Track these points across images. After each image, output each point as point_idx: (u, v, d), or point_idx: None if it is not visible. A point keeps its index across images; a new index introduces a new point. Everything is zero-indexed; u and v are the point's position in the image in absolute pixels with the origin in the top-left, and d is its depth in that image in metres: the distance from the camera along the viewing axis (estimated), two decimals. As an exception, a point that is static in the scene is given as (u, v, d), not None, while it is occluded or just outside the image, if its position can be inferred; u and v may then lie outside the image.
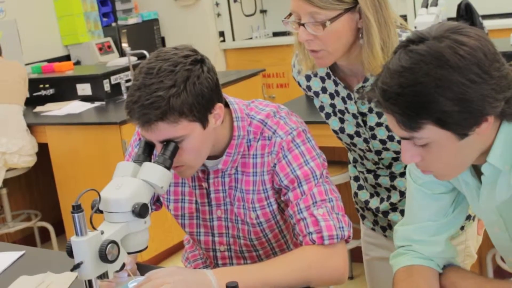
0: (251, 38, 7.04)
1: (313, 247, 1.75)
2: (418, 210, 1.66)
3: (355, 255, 3.81)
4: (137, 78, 1.71)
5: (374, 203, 2.18)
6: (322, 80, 2.03)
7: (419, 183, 1.64)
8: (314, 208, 1.78)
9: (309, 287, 1.76)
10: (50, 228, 4.65)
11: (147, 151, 1.75)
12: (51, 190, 4.62)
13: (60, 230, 4.69)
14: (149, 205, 1.64)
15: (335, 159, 3.64)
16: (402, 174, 2.05)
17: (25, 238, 4.96)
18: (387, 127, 1.95)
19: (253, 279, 1.70)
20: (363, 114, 1.98)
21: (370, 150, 2.04)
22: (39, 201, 5.06)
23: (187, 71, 1.69)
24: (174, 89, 1.66)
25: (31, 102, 4.83)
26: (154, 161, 1.68)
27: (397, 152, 1.99)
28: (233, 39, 6.95)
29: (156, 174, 1.66)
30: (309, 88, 2.08)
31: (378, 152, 2.03)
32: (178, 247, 4.40)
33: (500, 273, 3.19)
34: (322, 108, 2.09)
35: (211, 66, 1.76)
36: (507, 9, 5.77)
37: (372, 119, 1.97)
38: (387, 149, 2.00)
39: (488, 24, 4.30)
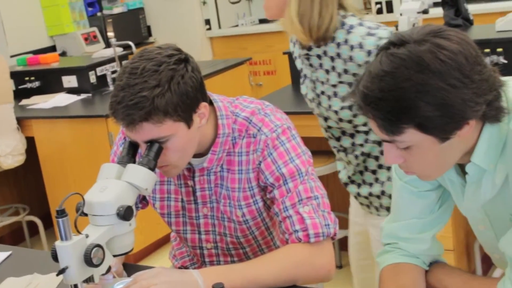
0: (237, 26, 7.01)
1: (299, 245, 1.75)
2: (404, 207, 1.67)
3: (344, 244, 3.82)
4: (121, 78, 1.69)
5: (341, 174, 2.47)
6: (293, 45, 2.37)
7: (404, 180, 1.65)
8: (300, 206, 1.77)
9: (295, 285, 1.76)
10: (39, 222, 4.61)
11: (131, 152, 1.73)
12: (38, 184, 4.60)
13: (49, 224, 4.68)
14: (133, 207, 1.63)
15: (322, 149, 3.64)
16: (351, 150, 2.32)
17: (14, 232, 4.95)
18: (329, 97, 2.23)
19: (240, 278, 1.70)
20: (314, 82, 2.28)
21: (321, 116, 2.32)
22: (27, 195, 5.03)
23: (171, 70, 1.67)
24: (158, 89, 1.64)
25: (17, 95, 4.78)
26: (138, 162, 1.67)
27: (340, 127, 2.28)
28: (219, 27, 6.91)
29: (140, 176, 1.65)
30: (293, 54, 2.41)
31: (325, 119, 2.32)
32: (166, 239, 4.40)
33: (487, 261, 3.20)
34: (300, 72, 2.38)
35: (195, 65, 1.75)
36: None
37: (318, 87, 2.25)
38: (330, 118, 2.27)
39: (473, 8, 4.29)
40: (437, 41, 1.32)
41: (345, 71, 2.15)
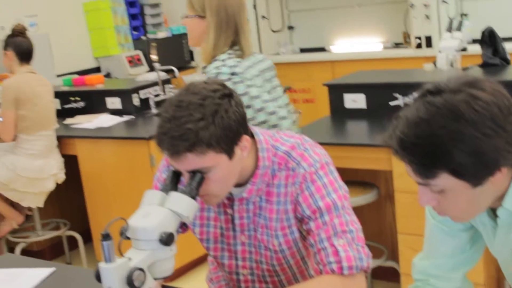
0: (278, 54, 7.09)
1: (333, 277, 1.79)
2: (436, 245, 1.70)
3: (376, 273, 3.86)
4: (167, 110, 1.75)
5: None
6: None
7: (437, 219, 1.68)
8: (335, 239, 1.82)
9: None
10: (78, 237, 4.73)
11: (174, 181, 1.80)
12: (79, 200, 4.72)
13: (88, 239, 4.78)
14: (175, 233, 1.70)
15: (358, 179, 3.69)
16: None
17: (54, 246, 5.07)
18: None
19: (274, 306, 1.75)
20: None
21: None
22: (68, 210, 5.15)
23: (216, 105, 1.73)
24: (203, 122, 1.70)
25: (61, 114, 4.94)
26: (180, 191, 1.73)
27: None
28: (261, 54, 6.99)
29: (182, 204, 1.71)
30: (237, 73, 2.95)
31: None
32: (202, 259, 4.47)
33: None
34: None
35: (238, 100, 1.81)
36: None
37: None
38: None
39: (510, 47, 4.31)
40: (472, 91, 1.37)
41: None
